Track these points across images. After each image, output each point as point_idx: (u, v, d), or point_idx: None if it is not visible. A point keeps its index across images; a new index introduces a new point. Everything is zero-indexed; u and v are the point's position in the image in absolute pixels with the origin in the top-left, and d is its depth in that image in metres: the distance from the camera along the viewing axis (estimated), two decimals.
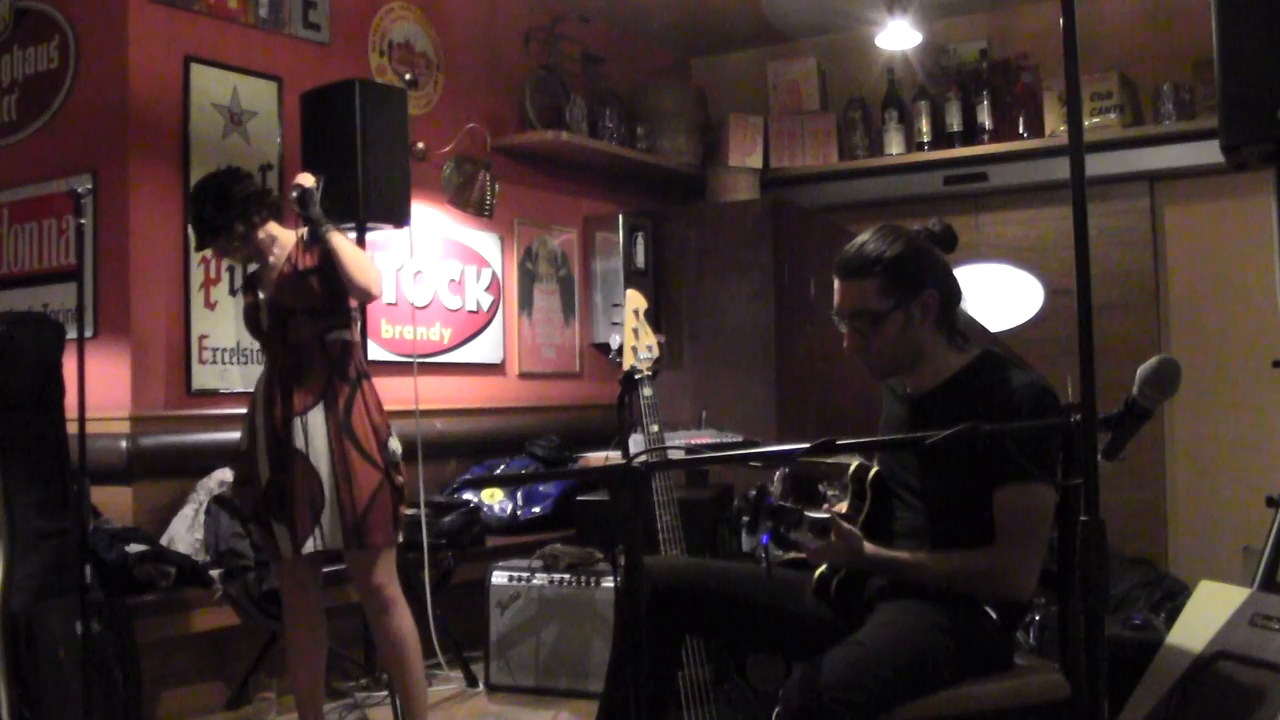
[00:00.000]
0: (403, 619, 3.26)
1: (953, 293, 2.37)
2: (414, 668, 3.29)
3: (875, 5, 5.57)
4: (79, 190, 3.00)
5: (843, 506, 2.49)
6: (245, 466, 3.25)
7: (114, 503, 3.90)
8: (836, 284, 2.36)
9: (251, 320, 3.30)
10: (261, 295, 3.26)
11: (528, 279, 5.60)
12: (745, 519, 2.22)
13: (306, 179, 3.31)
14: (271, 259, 3.27)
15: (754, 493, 2.23)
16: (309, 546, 3.12)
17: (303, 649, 3.32)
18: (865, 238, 2.35)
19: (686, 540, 3.16)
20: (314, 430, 3.14)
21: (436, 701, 3.96)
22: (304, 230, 3.29)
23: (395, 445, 3.26)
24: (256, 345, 4.26)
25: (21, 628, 3.07)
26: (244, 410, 4.19)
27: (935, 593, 2.22)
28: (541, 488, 4.95)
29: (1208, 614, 2.83)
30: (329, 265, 3.20)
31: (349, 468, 3.13)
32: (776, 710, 2.05)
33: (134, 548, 3.64)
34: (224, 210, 3.19)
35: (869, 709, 2.02)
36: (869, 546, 2.26)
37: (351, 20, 4.78)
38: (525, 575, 4.14)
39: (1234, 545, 4.63)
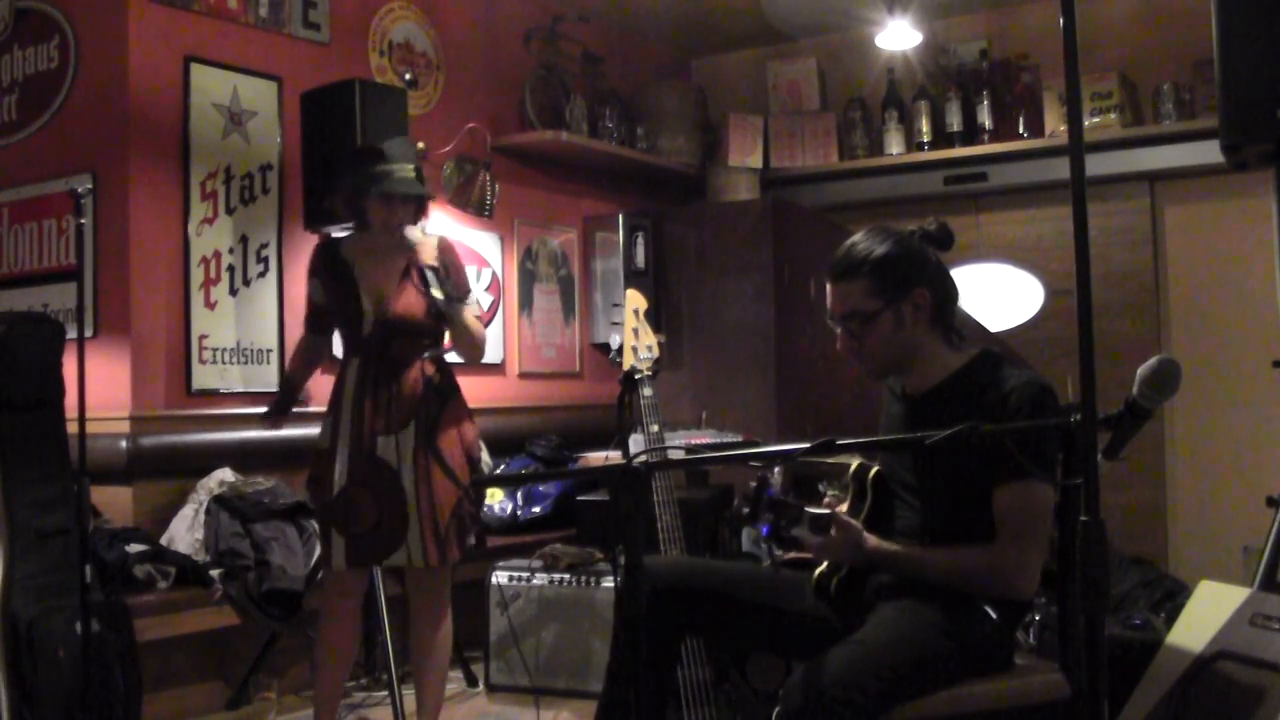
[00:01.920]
0: (447, 626, 3.29)
1: (947, 292, 2.36)
2: (441, 673, 3.32)
3: (875, 5, 5.57)
4: (79, 190, 3.00)
5: (843, 505, 2.49)
6: (321, 465, 3.22)
7: (114, 503, 3.90)
8: (828, 287, 2.37)
9: (353, 325, 3.22)
10: (366, 303, 3.18)
11: (528, 279, 5.60)
12: (745, 510, 2.22)
13: (428, 250, 3.22)
14: (391, 256, 3.23)
15: (755, 484, 2.23)
16: (399, 560, 3.14)
17: (334, 653, 3.30)
18: (855, 239, 2.35)
19: (686, 540, 3.16)
20: (405, 447, 3.14)
21: None
22: (431, 241, 3.28)
23: (487, 458, 3.31)
24: (258, 345, 4.30)
25: (21, 628, 3.07)
26: (245, 410, 4.23)
27: (936, 588, 2.22)
28: (541, 488, 4.95)
29: (1208, 614, 2.83)
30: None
31: (431, 483, 3.14)
32: (776, 710, 2.05)
33: (134, 548, 3.64)
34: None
35: (869, 709, 2.02)
36: (870, 540, 2.26)
37: (351, 20, 4.78)
38: (525, 575, 4.14)
39: (1234, 545, 4.63)
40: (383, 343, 3.19)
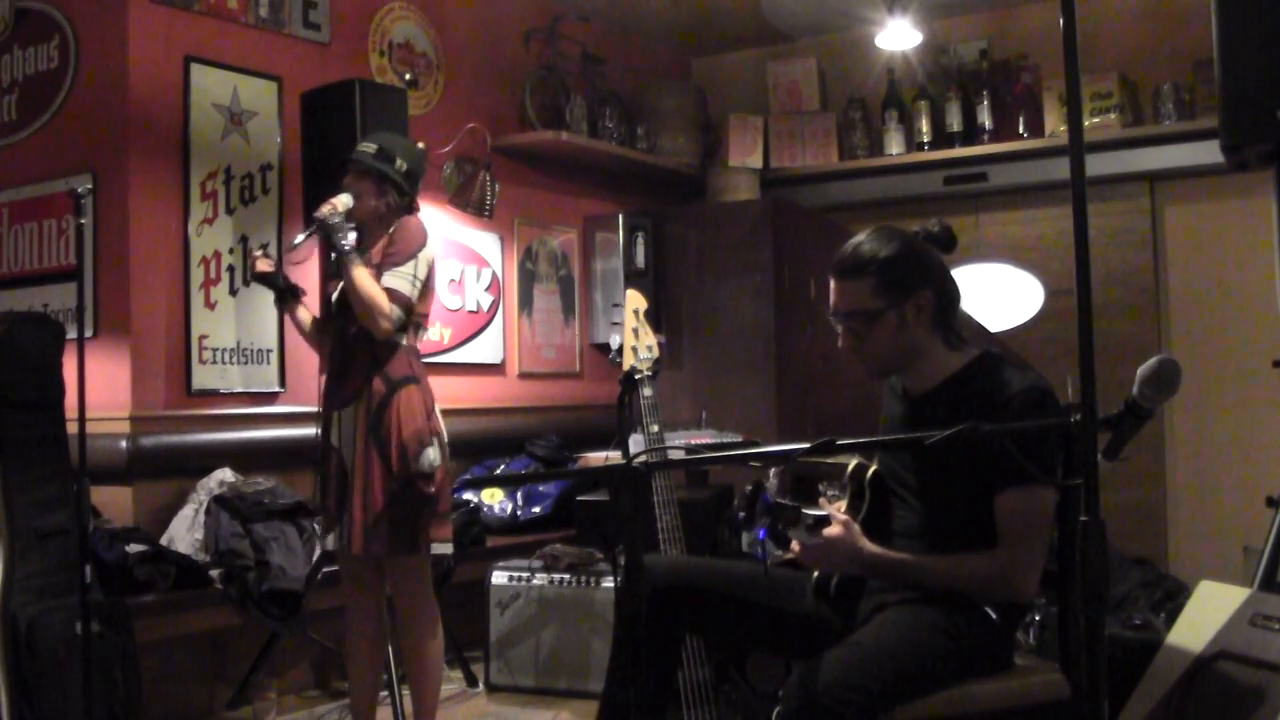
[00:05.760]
0: (430, 625, 3.27)
1: (950, 294, 2.36)
2: (433, 675, 3.31)
3: (875, 5, 5.57)
4: (79, 190, 3.00)
5: (841, 505, 2.49)
6: (320, 452, 3.32)
7: (114, 503, 3.90)
8: (832, 284, 2.36)
9: (327, 307, 3.36)
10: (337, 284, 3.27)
11: (528, 279, 5.60)
12: (741, 514, 2.22)
13: (330, 205, 3.21)
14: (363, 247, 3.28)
15: (750, 487, 2.23)
16: (329, 544, 3.20)
17: (359, 650, 3.32)
18: (861, 238, 2.35)
19: (686, 540, 3.16)
20: (346, 427, 3.18)
21: None
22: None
23: (432, 455, 3.17)
24: (258, 345, 4.32)
25: (21, 628, 3.07)
26: (245, 410, 4.25)
27: (937, 594, 2.22)
28: (541, 488, 4.95)
29: (1208, 614, 2.83)
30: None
31: (369, 471, 3.13)
32: (776, 710, 2.05)
33: (134, 548, 3.63)
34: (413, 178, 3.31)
35: (869, 709, 2.02)
36: (869, 547, 2.26)
37: (351, 20, 4.78)
38: (525, 575, 4.14)
39: (1234, 545, 4.62)
40: (340, 325, 3.23)
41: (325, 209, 3.20)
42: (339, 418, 3.19)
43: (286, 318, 3.53)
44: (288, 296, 3.41)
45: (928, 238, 2.38)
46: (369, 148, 3.30)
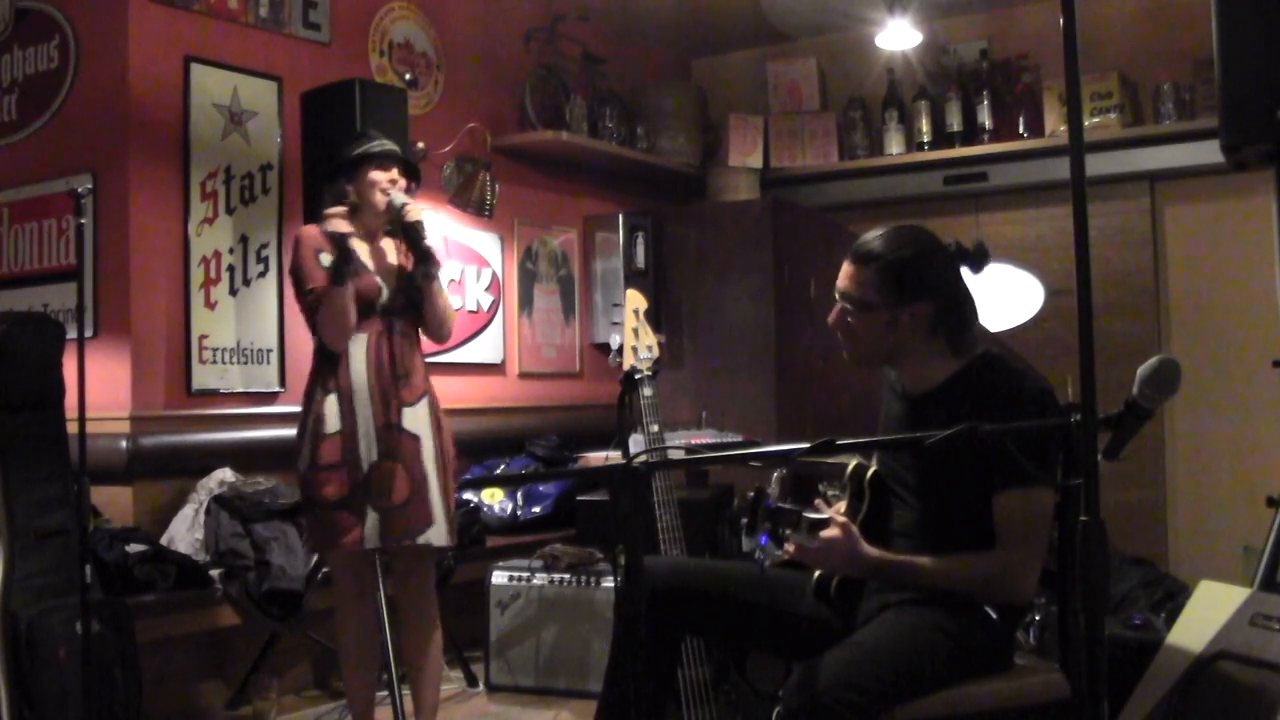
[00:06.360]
0: (435, 621, 3.32)
1: (957, 310, 2.35)
2: (435, 670, 3.33)
3: (875, 5, 5.56)
4: (79, 190, 3.00)
5: (841, 505, 2.49)
6: (342, 449, 3.16)
7: (114, 503, 3.90)
8: (844, 263, 2.38)
9: (367, 299, 3.20)
10: (380, 280, 3.25)
11: (528, 279, 5.60)
12: (744, 521, 2.22)
13: (420, 210, 3.24)
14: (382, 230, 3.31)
15: (752, 494, 2.24)
16: (432, 538, 3.15)
17: (360, 650, 3.31)
18: (881, 231, 2.37)
19: (686, 540, 3.16)
20: (422, 422, 3.21)
21: None
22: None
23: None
24: (258, 345, 4.30)
25: (21, 628, 3.07)
26: (245, 410, 4.23)
27: (937, 595, 2.22)
28: (541, 488, 4.95)
29: (1208, 614, 2.83)
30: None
31: (446, 465, 3.22)
32: (776, 710, 2.05)
33: (134, 548, 3.63)
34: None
35: (868, 709, 2.02)
36: (867, 549, 2.26)
37: (351, 20, 4.78)
38: (525, 575, 4.14)
39: (1234, 545, 4.62)
40: (389, 325, 3.22)
41: (414, 214, 3.21)
42: (410, 413, 3.19)
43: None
44: (349, 269, 3.15)
45: (957, 253, 2.39)
46: (390, 144, 3.33)
